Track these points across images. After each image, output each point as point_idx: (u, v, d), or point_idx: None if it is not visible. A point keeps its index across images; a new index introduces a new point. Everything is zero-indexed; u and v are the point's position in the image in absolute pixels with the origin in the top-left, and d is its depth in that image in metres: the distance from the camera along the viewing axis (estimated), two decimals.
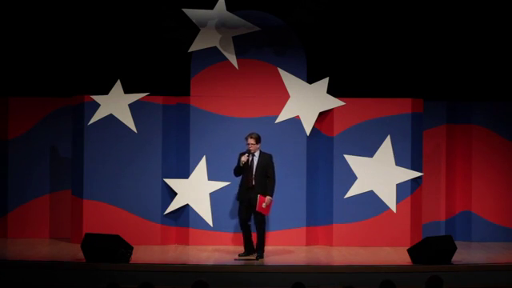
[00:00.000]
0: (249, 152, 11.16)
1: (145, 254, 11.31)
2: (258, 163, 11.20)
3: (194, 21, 12.40)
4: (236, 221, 12.30)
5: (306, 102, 12.45)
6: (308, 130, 12.44)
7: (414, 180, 12.42)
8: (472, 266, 10.51)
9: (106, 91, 12.40)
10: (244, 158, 11.11)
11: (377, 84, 12.81)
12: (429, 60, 12.96)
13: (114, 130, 12.38)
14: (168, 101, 12.51)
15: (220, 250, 11.87)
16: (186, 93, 12.52)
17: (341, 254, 11.76)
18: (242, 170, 11.24)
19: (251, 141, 11.18)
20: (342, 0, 12.60)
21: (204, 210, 12.40)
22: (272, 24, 12.49)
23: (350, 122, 12.46)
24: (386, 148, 12.40)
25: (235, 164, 12.36)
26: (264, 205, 11.04)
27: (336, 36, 12.76)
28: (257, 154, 11.24)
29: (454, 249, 10.63)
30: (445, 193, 13.09)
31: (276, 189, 12.33)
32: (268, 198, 11.08)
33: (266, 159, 11.25)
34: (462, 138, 12.97)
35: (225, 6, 12.37)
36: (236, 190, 12.28)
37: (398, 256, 11.27)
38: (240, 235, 12.30)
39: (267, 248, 12.04)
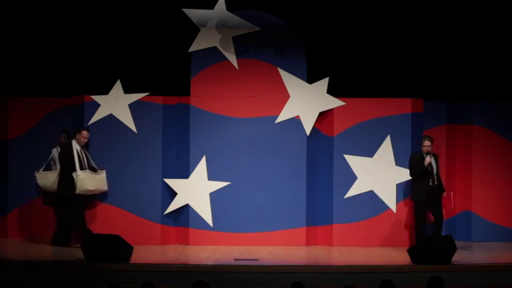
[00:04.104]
0: (429, 154, 11.80)
1: (145, 254, 11.31)
2: (436, 163, 11.90)
3: (194, 21, 12.41)
4: (236, 220, 12.34)
5: (306, 101, 12.46)
6: (308, 130, 12.44)
7: None
8: (472, 266, 10.51)
9: (106, 91, 12.41)
10: (428, 160, 11.75)
11: (377, 84, 12.81)
12: (429, 60, 12.96)
13: (113, 130, 12.38)
14: (168, 101, 12.51)
15: (220, 250, 11.87)
16: (186, 93, 12.52)
17: (341, 253, 11.76)
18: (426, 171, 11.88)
19: (429, 143, 11.82)
20: (342, 0, 12.59)
21: (204, 210, 12.40)
22: (272, 24, 12.50)
23: (350, 122, 12.46)
24: (386, 148, 12.41)
25: (235, 164, 12.41)
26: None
27: (336, 36, 12.76)
28: (430, 154, 11.89)
29: (454, 249, 10.63)
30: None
31: (276, 189, 12.40)
32: (452, 193, 12.02)
33: (437, 159, 12.00)
34: (462, 137, 12.97)
35: (225, 6, 12.38)
36: (236, 190, 12.33)
37: (398, 256, 11.27)
38: (239, 235, 12.32)
39: (267, 248, 12.06)
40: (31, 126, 12.83)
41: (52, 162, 12.43)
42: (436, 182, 11.85)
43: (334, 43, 12.76)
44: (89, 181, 11.96)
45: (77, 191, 11.87)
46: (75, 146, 12.01)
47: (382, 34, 12.85)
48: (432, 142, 11.86)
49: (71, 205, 11.92)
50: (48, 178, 12.27)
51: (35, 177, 12.36)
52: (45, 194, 12.59)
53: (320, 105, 12.48)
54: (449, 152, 13.07)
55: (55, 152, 12.42)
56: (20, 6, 12.79)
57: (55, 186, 12.14)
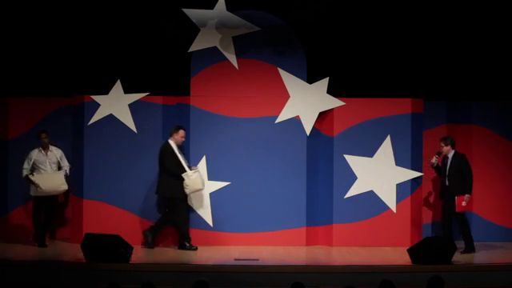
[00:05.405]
0: (438, 153, 11.89)
1: (145, 254, 11.31)
2: (450, 164, 11.86)
3: (194, 21, 12.40)
4: (236, 220, 12.36)
5: (306, 101, 12.46)
6: (308, 130, 12.44)
7: (414, 180, 12.42)
8: (472, 266, 10.52)
9: (106, 91, 12.41)
10: (433, 160, 11.94)
11: (377, 84, 12.80)
12: (429, 60, 12.95)
13: (113, 130, 12.38)
14: (168, 101, 12.51)
15: (220, 250, 11.87)
16: (186, 93, 12.52)
17: (341, 254, 11.76)
18: (437, 170, 12.09)
19: (440, 143, 11.93)
20: (341, 0, 12.59)
21: (204, 210, 12.39)
22: (272, 24, 12.49)
23: (350, 122, 12.46)
24: (386, 148, 12.40)
25: (235, 164, 12.43)
26: (464, 203, 11.72)
27: (336, 36, 12.75)
28: (450, 155, 11.90)
29: (454, 249, 10.63)
30: None
31: (276, 189, 12.38)
32: (466, 196, 11.74)
33: (459, 160, 11.88)
34: (462, 137, 12.95)
35: (225, 6, 12.37)
36: (236, 190, 12.37)
37: (398, 256, 11.26)
38: (239, 235, 12.33)
39: (267, 248, 12.06)
40: (31, 126, 12.80)
41: (38, 164, 12.13)
42: (447, 183, 11.89)
43: (334, 43, 12.75)
44: (200, 180, 11.92)
45: (188, 191, 11.85)
46: (174, 146, 11.95)
47: (382, 34, 12.84)
48: (446, 143, 11.92)
49: (179, 206, 11.91)
50: (55, 179, 11.98)
51: (31, 181, 11.89)
52: (36, 199, 12.13)
53: (320, 105, 12.48)
54: None
55: (36, 154, 12.17)
56: (20, 5, 12.78)
57: (62, 187, 11.99)
